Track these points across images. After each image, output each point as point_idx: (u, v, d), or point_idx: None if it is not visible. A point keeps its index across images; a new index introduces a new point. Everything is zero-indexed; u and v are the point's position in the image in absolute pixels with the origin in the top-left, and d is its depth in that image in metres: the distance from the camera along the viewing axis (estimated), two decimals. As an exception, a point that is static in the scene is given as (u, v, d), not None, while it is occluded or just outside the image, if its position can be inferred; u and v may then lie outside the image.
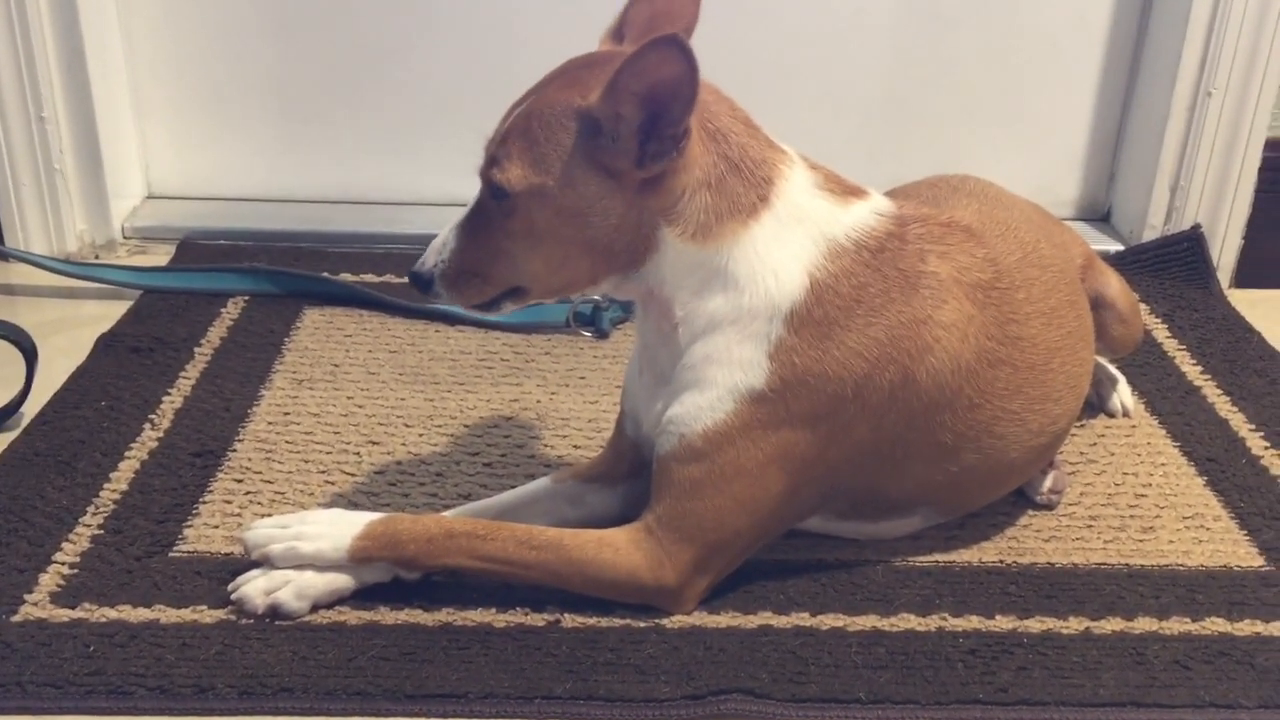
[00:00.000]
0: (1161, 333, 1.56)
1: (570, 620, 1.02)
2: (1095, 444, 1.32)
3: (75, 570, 1.06)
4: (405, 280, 1.58)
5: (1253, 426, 1.36)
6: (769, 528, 1.05)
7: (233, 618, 1.01)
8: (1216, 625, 1.05)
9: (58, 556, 1.08)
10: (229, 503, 1.17)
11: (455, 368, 1.44)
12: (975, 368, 1.04)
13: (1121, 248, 1.75)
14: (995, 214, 1.16)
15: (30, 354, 1.30)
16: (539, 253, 1.01)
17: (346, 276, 1.63)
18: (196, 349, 1.44)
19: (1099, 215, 1.84)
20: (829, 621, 1.04)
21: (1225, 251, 1.72)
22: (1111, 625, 1.05)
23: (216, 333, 1.48)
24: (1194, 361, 1.49)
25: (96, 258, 1.69)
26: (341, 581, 1.02)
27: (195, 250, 1.70)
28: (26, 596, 1.03)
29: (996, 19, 1.72)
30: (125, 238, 1.72)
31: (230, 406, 1.33)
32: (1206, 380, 1.45)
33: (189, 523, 1.14)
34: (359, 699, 0.94)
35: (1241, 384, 1.44)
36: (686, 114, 0.93)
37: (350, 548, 1.01)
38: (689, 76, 0.90)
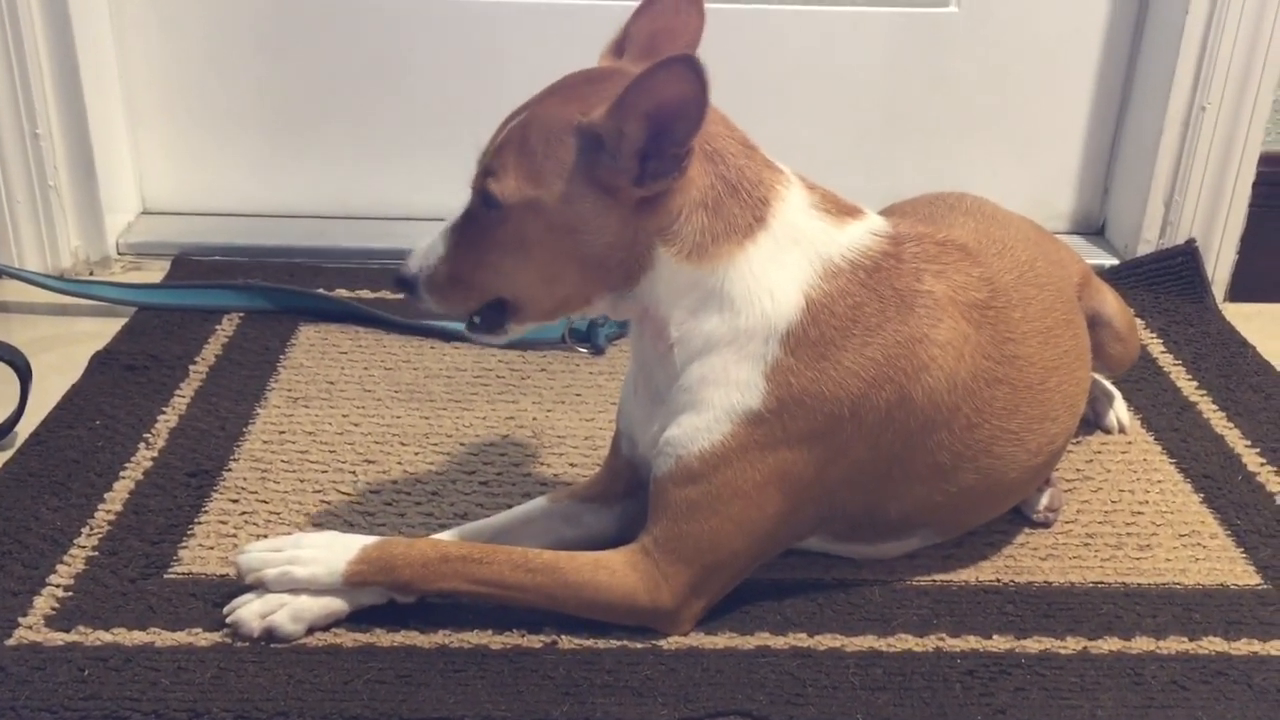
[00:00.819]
0: (1156, 347, 1.56)
1: (567, 642, 1.01)
2: (1091, 460, 1.32)
3: (70, 593, 1.06)
4: (400, 296, 1.60)
5: (1249, 443, 1.36)
6: (766, 549, 1.05)
7: (228, 641, 1.00)
8: (1214, 645, 1.05)
9: (52, 579, 1.07)
10: (224, 523, 1.16)
11: (451, 385, 1.43)
12: (972, 386, 1.04)
13: (1116, 261, 1.76)
14: (991, 232, 1.16)
15: (25, 373, 1.29)
16: (528, 265, 1.00)
17: (342, 292, 1.63)
18: (191, 366, 1.43)
19: (1094, 229, 1.84)
20: (826, 642, 1.04)
21: (1220, 266, 1.72)
22: (1109, 645, 1.04)
23: (211, 350, 1.47)
24: (1189, 377, 1.49)
25: (91, 274, 1.69)
26: (336, 605, 1.01)
27: (190, 266, 1.69)
28: (20, 620, 1.03)
29: (991, 34, 1.72)
30: (120, 253, 1.72)
31: (225, 425, 1.32)
32: (1202, 396, 1.45)
33: (184, 544, 1.13)
34: (355, 723, 0.94)
35: (1237, 399, 1.44)
36: (692, 135, 0.93)
37: (345, 572, 1.00)
38: (699, 98, 0.90)
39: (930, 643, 1.04)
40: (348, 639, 1.01)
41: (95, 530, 1.14)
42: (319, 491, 1.22)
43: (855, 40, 1.69)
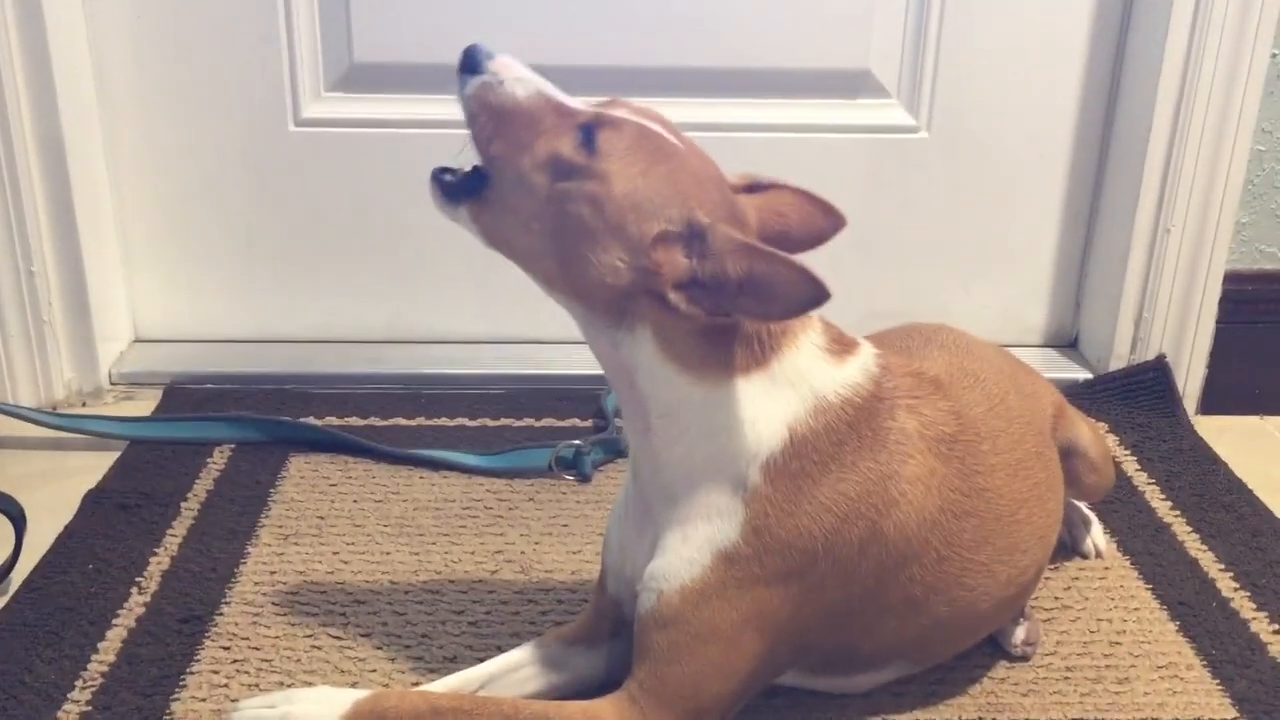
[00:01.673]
0: (1131, 465, 1.59)
1: None
2: (1069, 588, 1.34)
3: None
4: (388, 424, 1.64)
5: (1222, 566, 1.38)
6: (747, 688, 1.07)
7: None
8: None
9: None
10: (216, 672, 1.18)
11: (440, 517, 1.45)
12: (941, 520, 1.06)
13: (1090, 375, 1.80)
14: (964, 364, 1.19)
15: (19, 522, 1.31)
16: (532, 201, 0.98)
17: (331, 420, 1.65)
18: (183, 504, 1.45)
19: (1067, 342, 1.88)
20: None
21: (1190, 380, 1.76)
22: None
23: (203, 485, 1.49)
24: (1164, 496, 1.52)
25: (84, 405, 1.71)
26: (330, 761, 1.03)
27: (182, 396, 1.72)
28: None
29: (960, 156, 1.77)
30: (112, 383, 1.75)
31: (217, 567, 1.34)
32: (1176, 517, 1.48)
33: (176, 695, 1.14)
34: None
35: (1210, 520, 1.47)
36: (763, 320, 0.96)
37: (338, 728, 1.02)
38: (798, 311, 0.94)
39: (915, 787, 1.06)
40: (340, 796, 1.02)
41: (89, 683, 1.15)
42: (310, 636, 1.23)
43: (829, 165, 1.74)
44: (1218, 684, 1.20)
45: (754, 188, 1.07)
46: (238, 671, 1.18)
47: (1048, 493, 1.18)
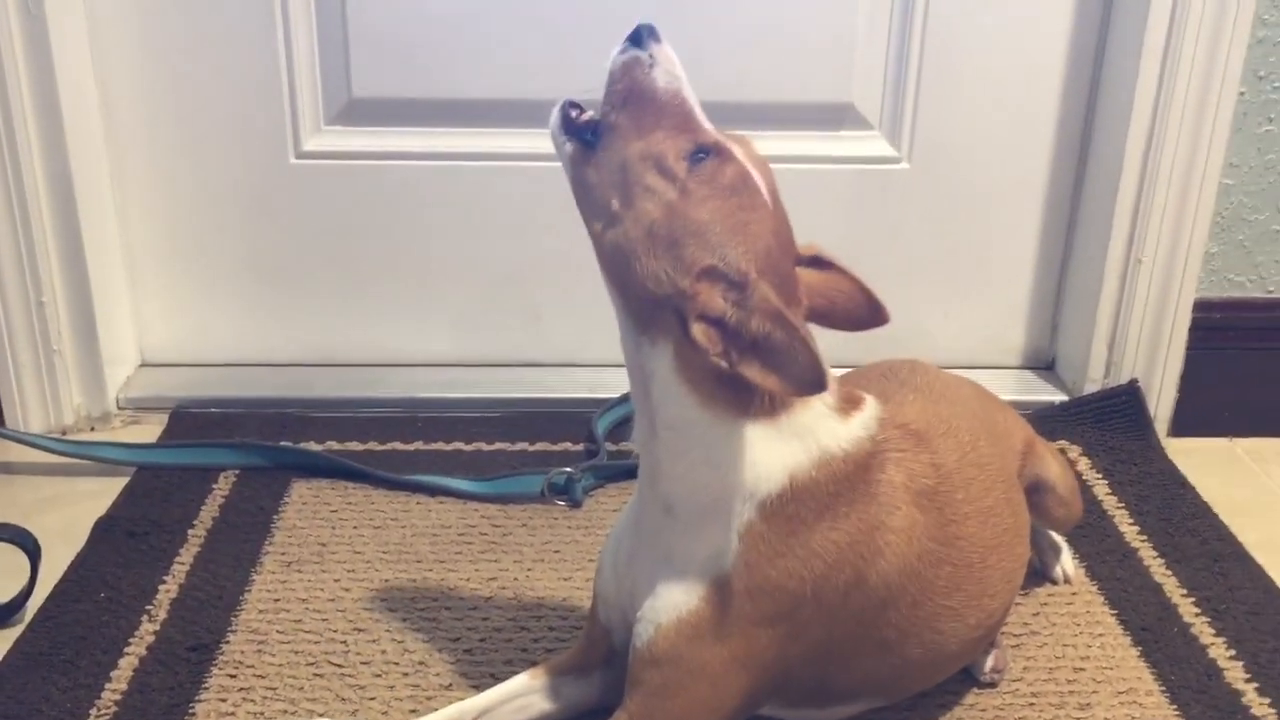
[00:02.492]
0: (1102, 489, 1.65)
1: None
2: (1038, 613, 1.40)
3: None
4: (386, 448, 1.70)
5: (1185, 591, 1.44)
6: (731, 720, 1.13)
7: None
8: None
9: None
10: (223, 700, 1.24)
11: (436, 543, 1.51)
12: (918, 568, 1.12)
13: (1065, 398, 1.86)
14: (939, 411, 1.24)
15: (34, 554, 1.37)
16: (622, 179, 1.03)
17: (332, 444, 1.71)
18: (190, 530, 1.51)
19: (1045, 364, 1.94)
20: None
21: (1162, 403, 1.82)
22: None
23: (209, 512, 1.55)
24: (1132, 521, 1.58)
25: (93, 429, 1.77)
26: (333, 791, 1.10)
27: (187, 420, 1.78)
28: None
29: (941, 186, 1.83)
30: (120, 408, 1.80)
31: (223, 594, 1.40)
32: (1143, 541, 1.54)
33: (186, 724, 1.21)
34: None
35: (1176, 544, 1.53)
36: (764, 388, 1.00)
37: (341, 761, 1.08)
38: (795, 390, 0.99)
39: (885, 813, 1.12)
40: (342, 823, 1.09)
41: (102, 713, 1.21)
42: (312, 664, 1.29)
43: (814, 194, 1.79)
44: (1175, 709, 1.26)
45: (819, 262, 1.11)
46: (244, 700, 1.24)
47: (1015, 538, 1.23)
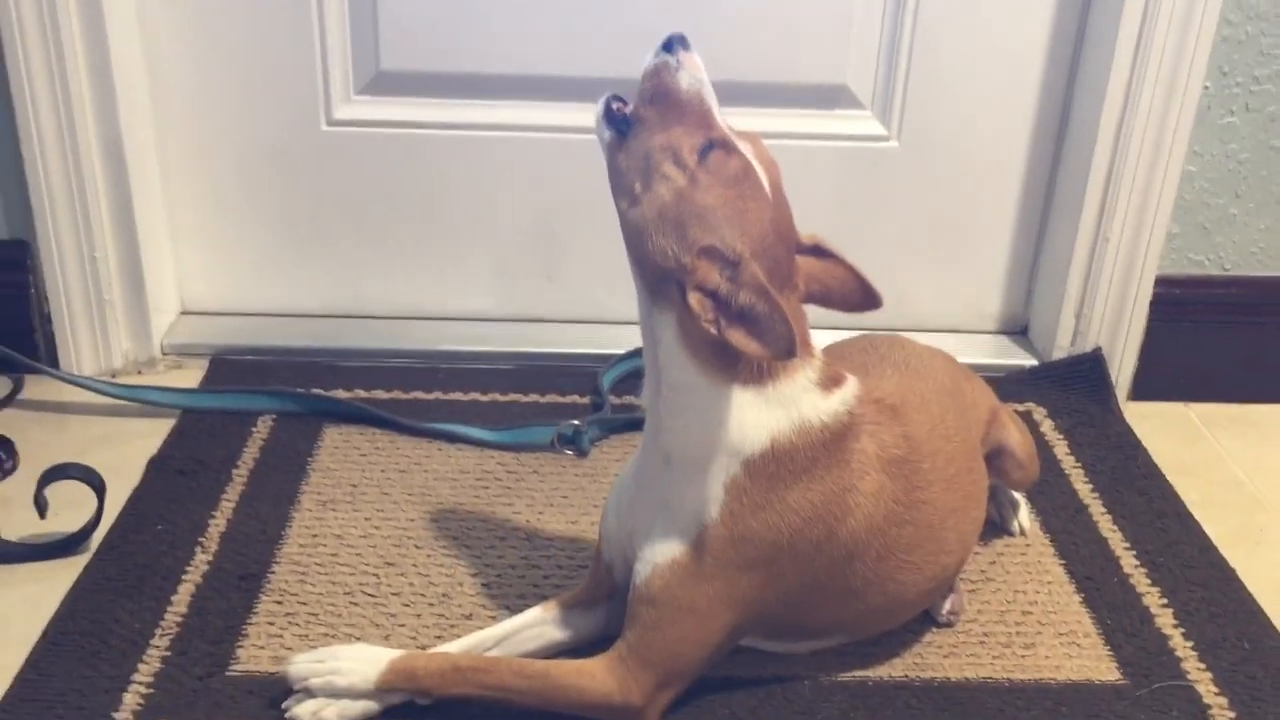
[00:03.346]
0: (1062, 449, 1.81)
1: None
2: (994, 562, 1.56)
3: (151, 689, 1.29)
4: (410, 397, 1.85)
5: (1127, 545, 1.60)
6: (715, 653, 1.28)
7: None
8: None
9: (135, 676, 1.30)
10: (271, 624, 1.40)
11: (456, 487, 1.67)
12: (884, 527, 1.27)
13: (1036, 362, 2.01)
14: (914, 386, 1.37)
15: (100, 490, 1.52)
16: (645, 165, 1.17)
17: (359, 392, 1.86)
18: (234, 470, 1.66)
19: (1019, 329, 2.09)
20: None
21: (1123, 370, 1.97)
22: None
23: (250, 454, 1.71)
24: (1086, 479, 1.74)
25: (139, 373, 1.92)
26: (370, 705, 1.25)
27: (226, 367, 1.93)
28: (114, 714, 1.25)
29: (927, 163, 1.96)
30: (163, 353, 1.96)
31: (266, 529, 1.56)
32: (1095, 498, 1.70)
33: (240, 644, 1.36)
34: (388, 806, 1.18)
35: (1124, 502, 1.69)
36: (748, 354, 1.14)
37: (377, 681, 1.24)
38: (772, 355, 1.12)
39: (848, 733, 1.29)
40: (378, 732, 1.26)
41: (166, 632, 1.37)
42: (348, 594, 1.46)
43: (808, 170, 1.93)
44: (1108, 650, 1.42)
45: (819, 251, 1.27)
46: (290, 624, 1.40)
47: (972, 503, 1.38)
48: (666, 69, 1.19)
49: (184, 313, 2.03)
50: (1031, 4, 1.87)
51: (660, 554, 1.24)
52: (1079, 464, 1.77)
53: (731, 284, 1.13)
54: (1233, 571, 1.56)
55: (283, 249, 2.00)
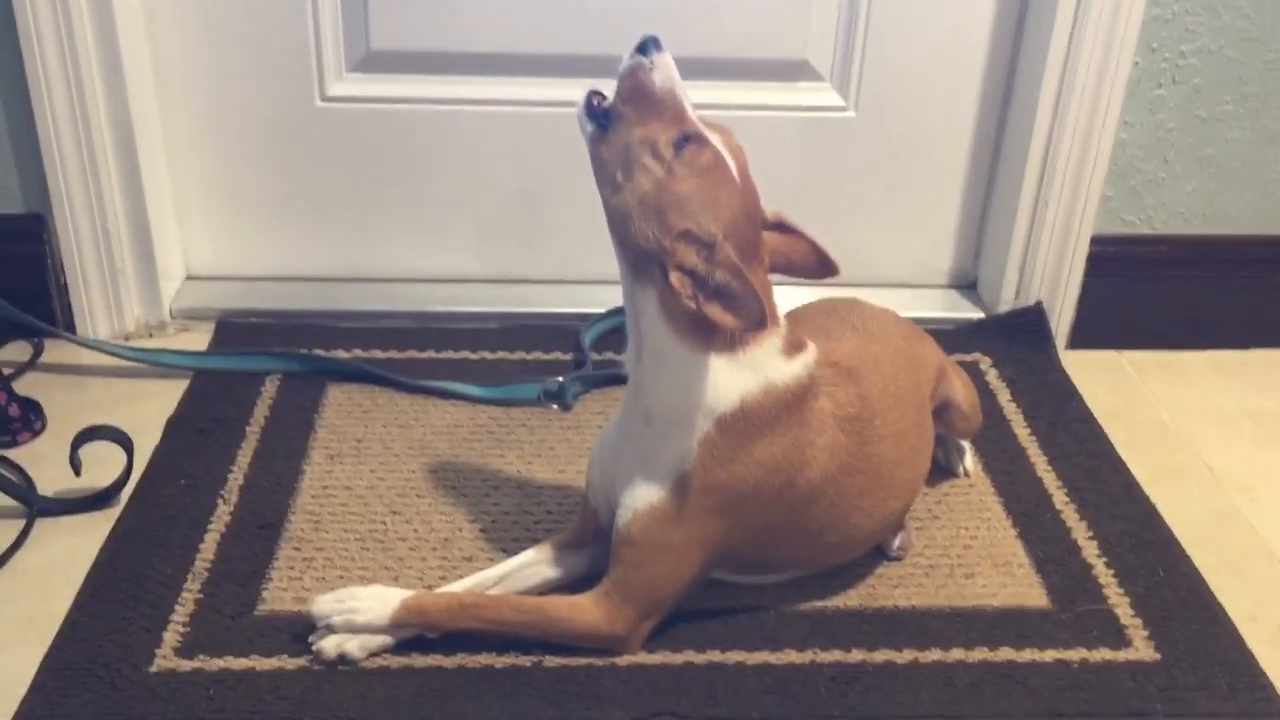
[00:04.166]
0: (1005, 396, 1.97)
1: (550, 661, 1.39)
2: (941, 501, 1.72)
3: (188, 628, 1.43)
4: (404, 356, 1.99)
5: (1060, 484, 1.75)
6: (690, 587, 1.43)
7: (309, 665, 1.38)
8: (1006, 654, 1.43)
9: (173, 617, 1.44)
10: (292, 569, 1.54)
11: (452, 440, 1.81)
12: (838, 477, 1.41)
13: (983, 315, 2.17)
14: (869, 348, 1.50)
15: (129, 449, 1.66)
16: (625, 157, 1.29)
17: (357, 351, 1.99)
18: (247, 428, 1.79)
19: (968, 284, 2.24)
20: (734, 657, 1.42)
21: (1062, 321, 2.13)
22: (933, 655, 1.43)
23: (260, 412, 1.84)
24: (1025, 424, 1.89)
25: (150, 335, 2.06)
26: (386, 639, 1.40)
27: (232, 329, 2.05)
28: (157, 651, 1.39)
29: (883, 132, 2.10)
30: (172, 317, 2.09)
31: (281, 482, 1.69)
32: (1032, 441, 1.85)
33: (265, 587, 1.50)
34: (406, 726, 1.33)
35: (1058, 444, 1.84)
36: (724, 325, 1.28)
37: (391, 617, 1.39)
38: (747, 327, 1.26)
39: (807, 656, 1.42)
40: (394, 662, 1.39)
41: (198, 576, 1.51)
42: (359, 540, 1.60)
43: (771, 140, 2.06)
44: (1039, 578, 1.57)
45: (782, 226, 1.40)
46: (308, 568, 1.55)
47: (919, 455, 1.53)
48: (641, 69, 1.31)
49: (190, 278, 2.16)
50: (978, -15, 2.00)
51: (640, 500, 1.38)
52: (1019, 410, 1.93)
53: (708, 264, 1.27)
54: (1153, 506, 1.73)
55: (282, 218, 2.12)
